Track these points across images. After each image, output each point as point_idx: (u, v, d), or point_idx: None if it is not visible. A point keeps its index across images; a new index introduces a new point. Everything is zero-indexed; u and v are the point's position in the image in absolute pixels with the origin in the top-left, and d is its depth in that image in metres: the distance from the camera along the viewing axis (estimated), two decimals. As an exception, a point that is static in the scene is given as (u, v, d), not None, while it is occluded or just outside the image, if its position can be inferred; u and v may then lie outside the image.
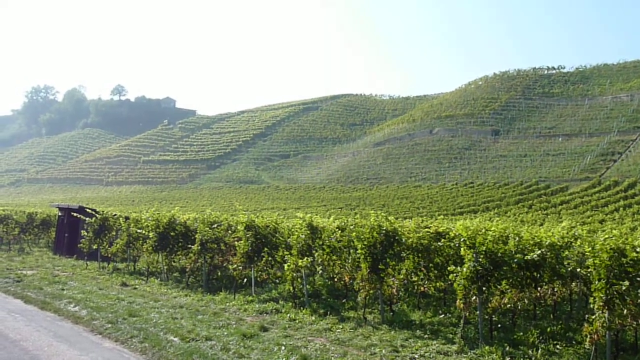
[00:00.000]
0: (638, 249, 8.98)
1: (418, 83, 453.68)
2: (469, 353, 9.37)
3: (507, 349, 9.47)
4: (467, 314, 10.48)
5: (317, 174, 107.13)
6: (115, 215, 22.58)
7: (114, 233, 21.77)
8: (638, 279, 8.71)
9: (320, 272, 15.02)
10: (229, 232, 17.06)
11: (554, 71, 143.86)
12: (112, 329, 11.07)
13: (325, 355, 9.32)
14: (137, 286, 16.92)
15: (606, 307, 8.44)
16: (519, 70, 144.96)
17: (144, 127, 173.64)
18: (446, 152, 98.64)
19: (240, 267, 15.15)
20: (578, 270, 11.41)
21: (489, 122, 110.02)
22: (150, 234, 18.44)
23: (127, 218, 21.36)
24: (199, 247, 16.52)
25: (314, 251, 14.10)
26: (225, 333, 10.67)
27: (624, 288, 8.35)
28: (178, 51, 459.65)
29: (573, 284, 12.74)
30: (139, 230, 19.52)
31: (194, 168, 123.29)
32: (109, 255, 21.40)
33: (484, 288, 9.98)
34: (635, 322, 9.19)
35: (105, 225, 21.83)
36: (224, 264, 17.13)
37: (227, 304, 13.85)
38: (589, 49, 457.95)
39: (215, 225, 17.24)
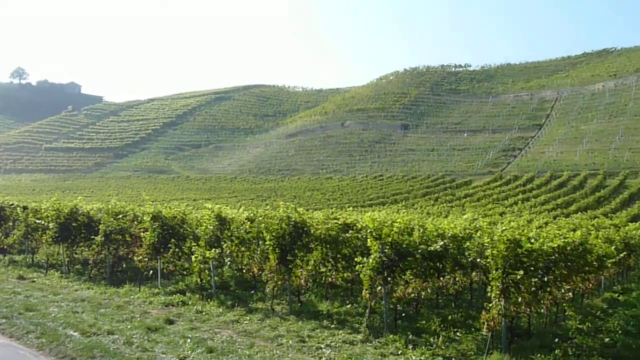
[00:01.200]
0: (532, 240, 9.47)
1: (331, 76, 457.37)
2: (374, 342, 9.56)
3: (410, 337, 9.75)
4: (373, 303, 10.69)
5: (228, 164, 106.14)
6: (12, 204, 21.43)
7: (10, 223, 20.69)
8: (532, 268, 9.18)
9: (229, 263, 14.88)
10: (135, 222, 16.56)
11: (461, 69, 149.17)
12: (6, 325, 10.50)
13: (232, 347, 9.24)
14: (35, 279, 16.14)
15: (502, 296, 8.84)
16: (428, 67, 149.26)
17: (47, 113, 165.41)
18: (357, 144, 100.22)
19: (146, 259, 14.75)
20: (478, 260, 11.84)
21: (399, 117, 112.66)
22: (51, 225, 17.61)
23: (25, 208, 20.30)
24: (103, 238, 15.94)
25: (222, 242, 13.94)
26: (129, 326, 10.37)
27: (519, 277, 8.77)
28: (84, 35, 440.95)
29: (473, 273, 13.25)
30: (38, 221, 18.59)
31: (100, 156, 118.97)
32: (5, 247, 20.30)
33: (389, 278, 10.21)
34: (529, 309, 9.70)
35: (1, 215, 20.69)
36: (130, 256, 16.59)
37: (132, 296, 13.45)
38: (494, 49, 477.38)
39: (121, 216, 16.67)
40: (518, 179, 65.25)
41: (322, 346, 9.36)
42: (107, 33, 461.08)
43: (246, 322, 11.01)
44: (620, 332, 11.15)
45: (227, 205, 19.17)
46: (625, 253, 16.72)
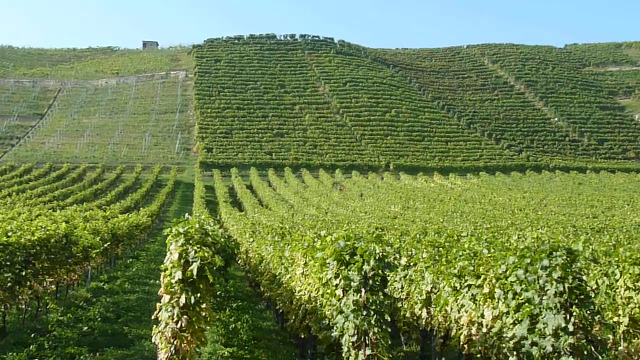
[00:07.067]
0: (10, 234, 9.02)
1: None
2: None
3: None
4: None
5: None
6: None
7: None
8: (9, 263, 8.74)
9: None
10: None
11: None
12: None
13: None
14: None
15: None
16: None
17: None
18: None
19: None
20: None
21: None
22: None
23: None
24: None
25: None
26: None
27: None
28: None
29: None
30: None
31: None
32: None
33: None
34: (4, 307, 9.22)
35: None
36: None
37: None
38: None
39: None
40: (15, 169, 62.00)
41: None
42: None
43: None
44: (99, 319, 11.58)
45: None
46: (111, 243, 17.53)
